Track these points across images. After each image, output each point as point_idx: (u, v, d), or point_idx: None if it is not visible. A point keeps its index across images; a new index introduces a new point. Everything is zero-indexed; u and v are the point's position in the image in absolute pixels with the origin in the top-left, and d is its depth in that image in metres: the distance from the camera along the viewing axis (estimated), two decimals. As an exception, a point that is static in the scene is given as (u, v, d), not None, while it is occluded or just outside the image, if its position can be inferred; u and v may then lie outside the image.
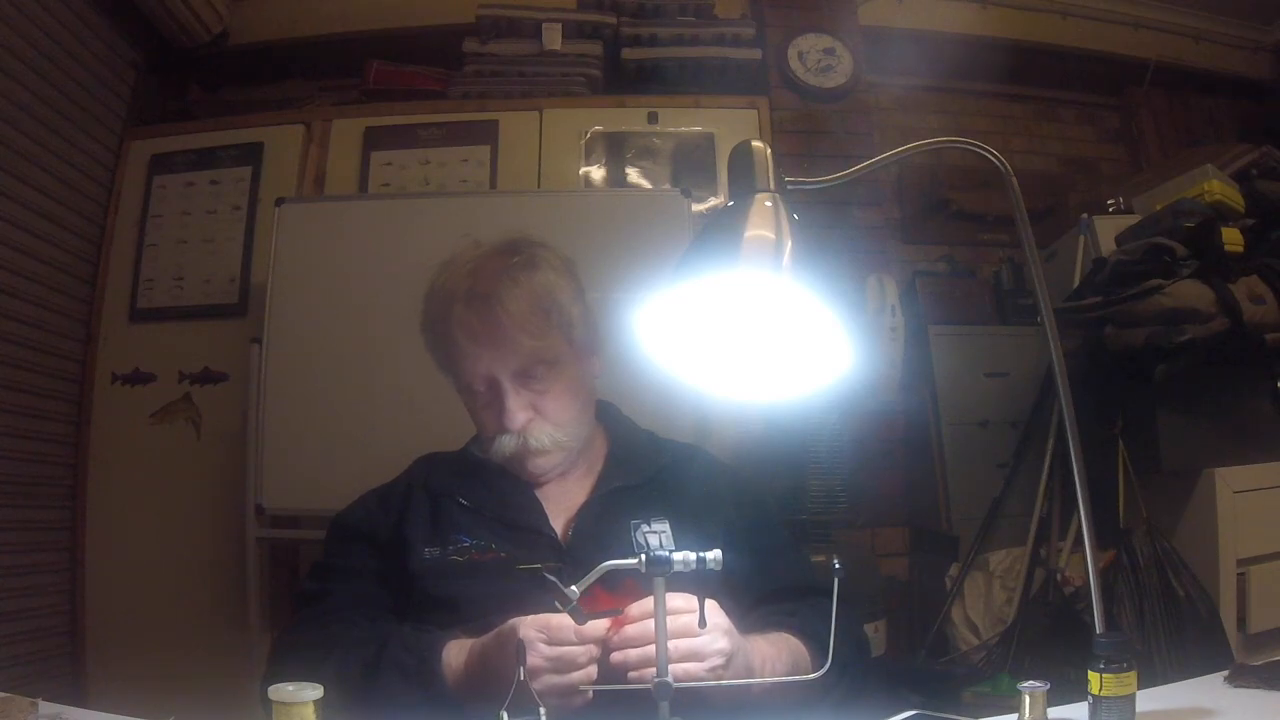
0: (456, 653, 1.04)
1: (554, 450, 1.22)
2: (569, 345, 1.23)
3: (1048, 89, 3.51)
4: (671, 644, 0.94)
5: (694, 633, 0.96)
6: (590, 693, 0.96)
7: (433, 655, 1.04)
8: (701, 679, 0.96)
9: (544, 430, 1.20)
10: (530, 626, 0.96)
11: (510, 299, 1.18)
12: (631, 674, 0.95)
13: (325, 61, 2.96)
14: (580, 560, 1.08)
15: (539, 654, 0.95)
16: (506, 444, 1.20)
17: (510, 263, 1.23)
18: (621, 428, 1.35)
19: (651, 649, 0.93)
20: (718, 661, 0.97)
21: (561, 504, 1.23)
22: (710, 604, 0.97)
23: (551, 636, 0.96)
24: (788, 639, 1.11)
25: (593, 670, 0.96)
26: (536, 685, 0.93)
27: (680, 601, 0.96)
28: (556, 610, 0.95)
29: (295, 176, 2.66)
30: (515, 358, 1.19)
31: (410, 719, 1.02)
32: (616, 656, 0.96)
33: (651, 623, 0.92)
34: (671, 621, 0.93)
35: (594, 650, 0.97)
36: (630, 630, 0.97)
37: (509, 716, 0.85)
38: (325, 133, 2.71)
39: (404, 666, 1.05)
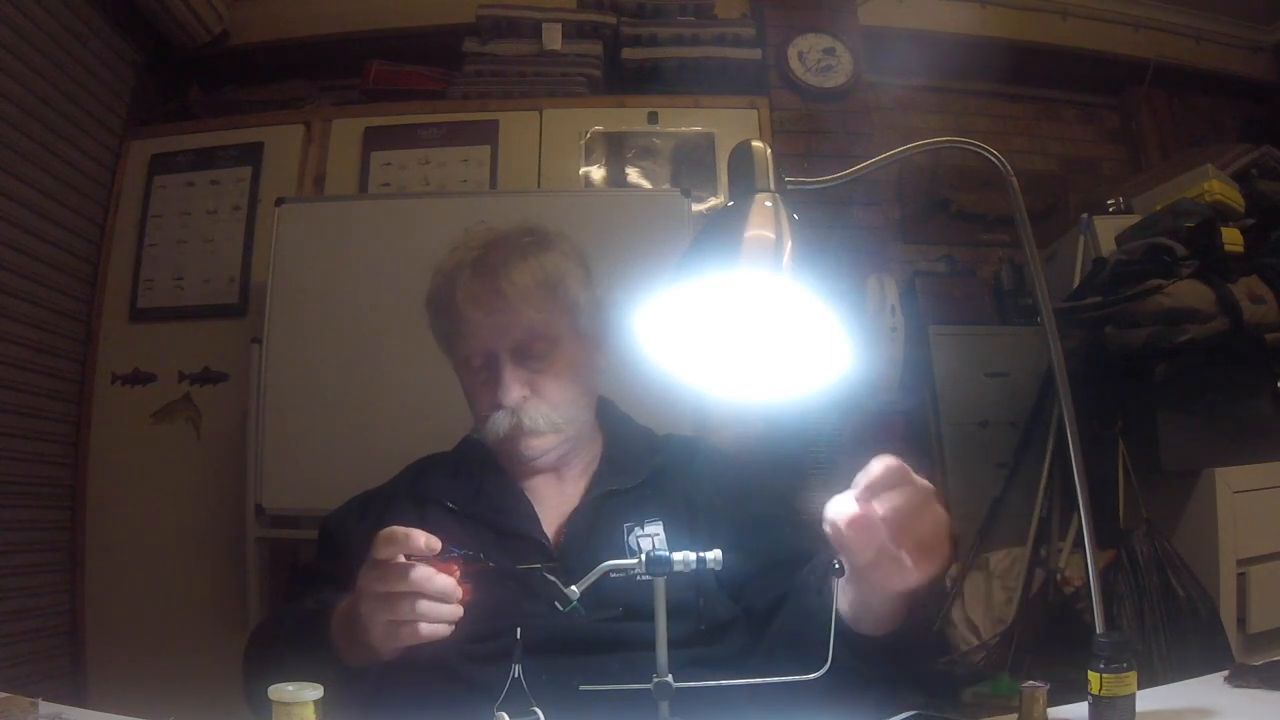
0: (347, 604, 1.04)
1: (549, 432, 1.19)
2: (572, 328, 1.22)
3: (1048, 89, 3.52)
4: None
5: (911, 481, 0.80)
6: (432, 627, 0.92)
7: (329, 607, 1.03)
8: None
9: (539, 410, 1.18)
10: (366, 571, 0.93)
11: (516, 271, 1.18)
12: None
13: (325, 61, 2.96)
14: (571, 566, 1.07)
15: (368, 576, 0.93)
16: (500, 422, 1.18)
17: (522, 241, 1.23)
18: (618, 426, 1.33)
19: None
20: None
21: (553, 507, 1.21)
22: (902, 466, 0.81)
23: (374, 552, 0.93)
24: None
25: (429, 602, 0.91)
26: (363, 607, 0.92)
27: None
28: (558, 612, 0.94)
29: (295, 176, 2.66)
30: (516, 330, 1.18)
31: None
32: None
33: None
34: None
35: (434, 598, 0.92)
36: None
37: (509, 716, 0.85)
38: (325, 133, 2.71)
39: (302, 618, 1.06)
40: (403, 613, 0.91)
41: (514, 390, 1.18)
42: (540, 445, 1.20)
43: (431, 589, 0.91)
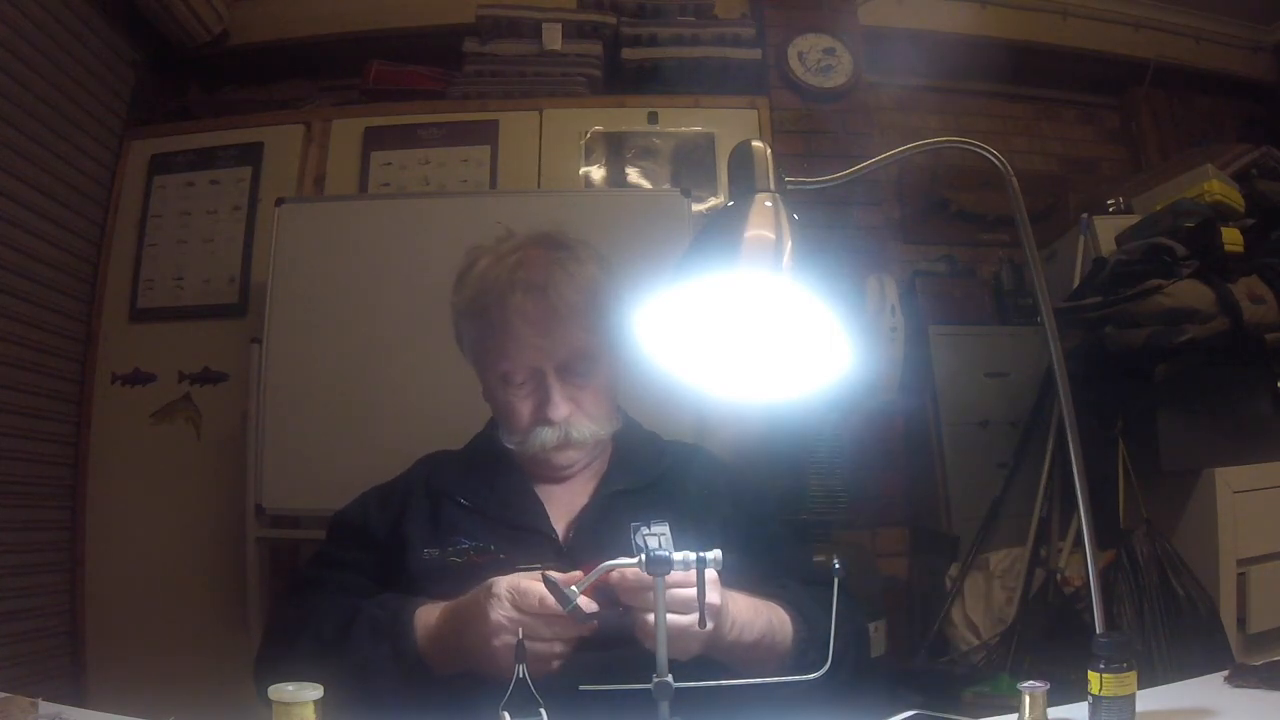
0: (429, 611, 1.07)
1: (591, 444, 1.24)
2: (608, 343, 1.24)
3: (1048, 89, 3.52)
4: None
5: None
6: (556, 664, 0.98)
7: (406, 612, 1.07)
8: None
9: (583, 423, 1.22)
10: (503, 585, 0.99)
11: (568, 290, 1.20)
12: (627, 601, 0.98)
13: (325, 61, 2.96)
14: (580, 562, 1.08)
15: (503, 612, 0.97)
16: (547, 436, 1.20)
17: (558, 255, 1.25)
18: (626, 430, 1.35)
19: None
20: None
21: (564, 505, 1.24)
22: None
23: (519, 601, 0.98)
24: (771, 605, 1.12)
25: (557, 646, 0.98)
26: (497, 643, 0.96)
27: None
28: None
29: (295, 176, 2.66)
30: (564, 349, 1.20)
31: (381, 681, 1.03)
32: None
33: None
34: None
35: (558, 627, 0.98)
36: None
37: (510, 715, 0.85)
38: (325, 133, 2.71)
39: (376, 621, 1.07)
40: (553, 657, 0.98)
41: (562, 407, 1.21)
42: (578, 456, 1.24)
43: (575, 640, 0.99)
